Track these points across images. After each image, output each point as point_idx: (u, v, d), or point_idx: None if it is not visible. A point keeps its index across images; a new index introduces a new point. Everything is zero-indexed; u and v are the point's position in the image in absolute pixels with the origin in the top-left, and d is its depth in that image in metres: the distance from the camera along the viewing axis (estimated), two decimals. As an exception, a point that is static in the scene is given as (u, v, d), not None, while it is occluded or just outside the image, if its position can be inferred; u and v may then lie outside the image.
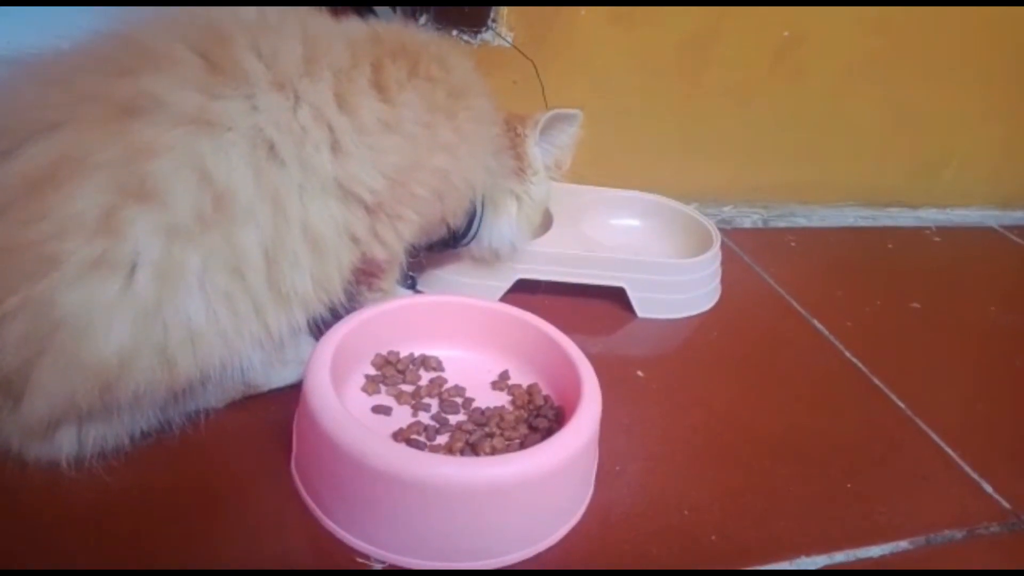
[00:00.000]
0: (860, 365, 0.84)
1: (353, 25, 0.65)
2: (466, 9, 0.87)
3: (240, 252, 0.53)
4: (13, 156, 0.48)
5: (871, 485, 0.67)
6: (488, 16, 0.89)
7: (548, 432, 0.60)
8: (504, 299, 0.81)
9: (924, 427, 0.75)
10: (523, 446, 0.59)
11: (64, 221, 0.48)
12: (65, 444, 0.53)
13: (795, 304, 0.93)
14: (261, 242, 0.54)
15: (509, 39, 0.92)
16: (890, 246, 1.15)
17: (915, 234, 1.21)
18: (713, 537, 0.58)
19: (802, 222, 1.17)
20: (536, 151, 0.76)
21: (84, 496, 0.53)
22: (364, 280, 0.67)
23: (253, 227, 0.53)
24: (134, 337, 0.50)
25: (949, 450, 0.73)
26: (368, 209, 0.61)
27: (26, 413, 0.50)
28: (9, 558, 0.49)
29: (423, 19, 0.87)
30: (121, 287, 0.49)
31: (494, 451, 0.59)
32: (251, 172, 0.53)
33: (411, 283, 0.79)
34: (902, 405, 0.78)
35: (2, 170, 0.48)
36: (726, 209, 1.14)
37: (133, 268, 0.49)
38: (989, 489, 0.69)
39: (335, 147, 0.57)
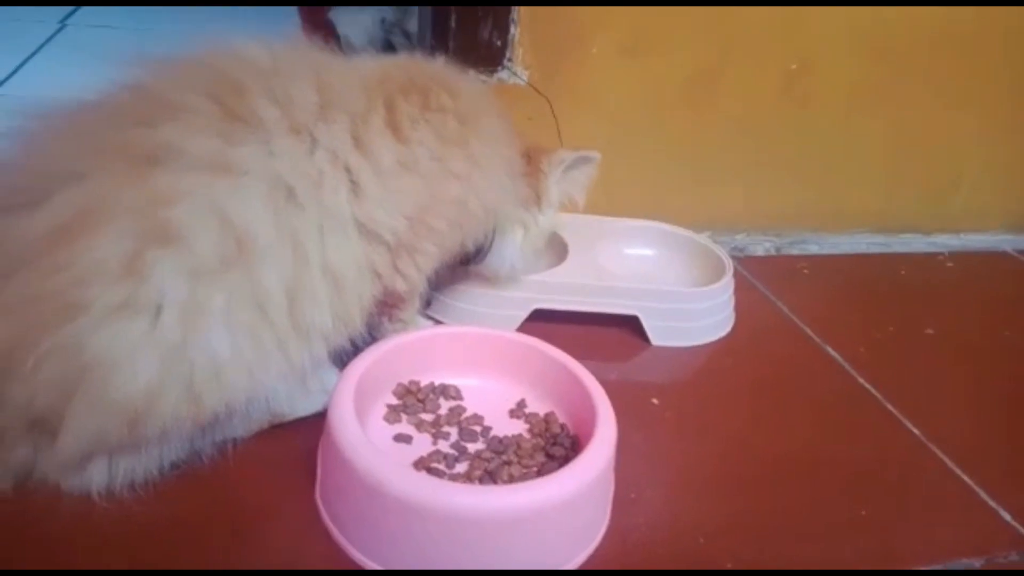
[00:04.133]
0: (874, 391, 0.84)
1: (364, 63, 0.66)
2: (482, 51, 0.90)
3: (262, 290, 0.55)
4: (39, 208, 0.51)
5: (886, 512, 0.67)
6: (504, 56, 0.92)
7: (565, 460, 0.62)
8: (521, 328, 0.82)
9: (939, 454, 0.76)
10: (540, 474, 0.61)
11: (89, 268, 0.50)
12: (96, 476, 0.55)
13: (808, 331, 0.94)
14: (282, 281, 0.55)
15: (524, 77, 0.94)
16: (903, 272, 1.15)
17: (928, 259, 1.21)
18: (729, 564, 0.59)
19: (814, 249, 1.18)
20: (555, 188, 0.78)
21: (115, 525, 0.55)
22: (385, 311, 0.69)
23: (274, 267, 0.55)
24: (161, 375, 0.52)
25: (965, 477, 0.73)
26: (389, 246, 0.63)
27: (60, 448, 0.53)
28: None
29: (440, 60, 0.90)
30: (147, 328, 0.51)
31: (512, 479, 0.60)
32: (270, 214, 0.55)
33: (424, 305, 0.80)
34: (916, 432, 0.78)
35: (29, 222, 0.51)
36: (738, 237, 1.15)
37: (159, 309, 0.51)
38: (1007, 517, 0.69)
39: (354, 189, 0.59)
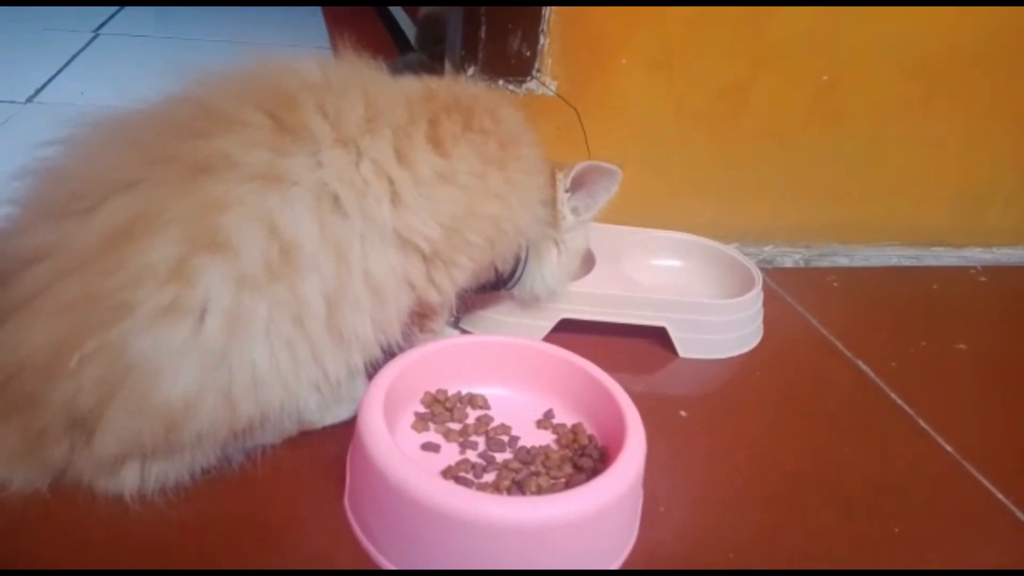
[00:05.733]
0: (906, 407, 0.83)
1: (410, 82, 0.68)
2: (512, 61, 0.90)
3: (303, 300, 0.55)
4: (94, 213, 0.52)
5: (919, 529, 0.66)
6: (533, 66, 0.93)
7: (593, 472, 0.61)
8: (548, 338, 0.82)
9: (973, 471, 0.74)
10: (568, 485, 0.61)
11: (138, 271, 0.51)
12: (129, 479, 0.56)
13: (839, 345, 0.93)
14: (323, 290, 0.56)
15: (553, 88, 0.95)
16: (935, 286, 1.14)
17: (960, 273, 1.19)
18: (758, 580, 0.59)
19: (844, 262, 1.17)
20: (564, 197, 0.77)
21: (146, 528, 0.55)
22: (417, 321, 0.69)
23: (317, 276, 0.56)
24: (200, 381, 0.52)
25: (1000, 495, 0.71)
26: (425, 257, 0.63)
27: (97, 449, 0.53)
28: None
29: (471, 70, 0.90)
30: (191, 332, 0.52)
31: (540, 490, 0.60)
32: (316, 224, 0.56)
33: (454, 321, 0.81)
34: (949, 448, 0.77)
35: (84, 226, 0.52)
36: (767, 249, 1.14)
37: (203, 314, 0.52)
38: (1043, 535, 0.67)
39: (394, 199, 0.60)
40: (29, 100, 1.38)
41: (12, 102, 1.35)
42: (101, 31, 1.89)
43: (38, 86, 1.44)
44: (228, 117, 0.56)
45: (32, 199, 0.56)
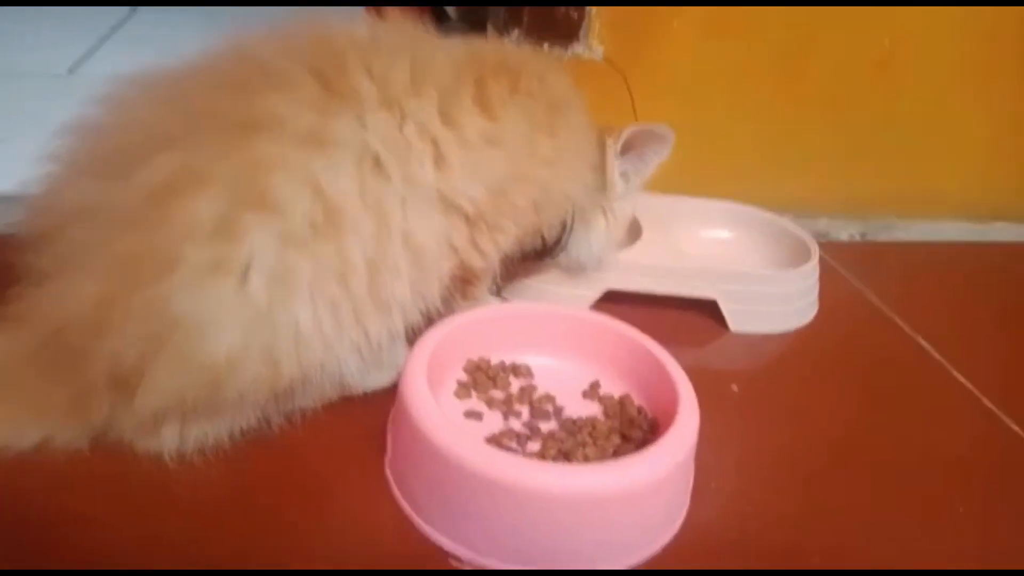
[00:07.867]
0: (970, 386, 0.79)
1: (456, 44, 0.66)
2: (558, 23, 0.87)
3: (346, 261, 0.54)
4: (138, 169, 0.51)
5: (985, 509, 0.63)
6: (580, 29, 0.90)
7: (642, 443, 0.59)
8: (593, 309, 0.80)
9: (1044, 452, 0.70)
10: (617, 456, 0.58)
11: (184, 227, 0.50)
12: (168, 439, 0.55)
13: (897, 320, 0.89)
14: (364, 252, 0.55)
15: (599, 52, 0.92)
16: (999, 261, 1.09)
17: (1024, 249, 1.14)
18: (816, 559, 0.56)
19: (902, 235, 1.12)
20: (614, 164, 0.74)
21: (187, 486, 0.55)
22: (459, 287, 0.67)
23: (358, 238, 0.54)
24: (244, 339, 0.51)
25: (1073, 477, 0.68)
26: (468, 220, 0.61)
27: (138, 407, 0.52)
28: (115, 542, 0.51)
29: (515, 33, 0.88)
30: (235, 289, 0.51)
31: (587, 460, 0.58)
32: (358, 186, 0.54)
33: (496, 290, 0.79)
34: (1016, 428, 0.73)
35: (129, 182, 0.51)
36: (821, 221, 1.10)
37: (247, 271, 0.51)
38: (1120, 518, 0.64)
39: (439, 161, 0.58)
40: (71, 72, 1.39)
41: (55, 75, 1.36)
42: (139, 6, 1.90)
43: (77, 58, 1.45)
44: (276, 74, 0.54)
45: (74, 156, 0.55)
